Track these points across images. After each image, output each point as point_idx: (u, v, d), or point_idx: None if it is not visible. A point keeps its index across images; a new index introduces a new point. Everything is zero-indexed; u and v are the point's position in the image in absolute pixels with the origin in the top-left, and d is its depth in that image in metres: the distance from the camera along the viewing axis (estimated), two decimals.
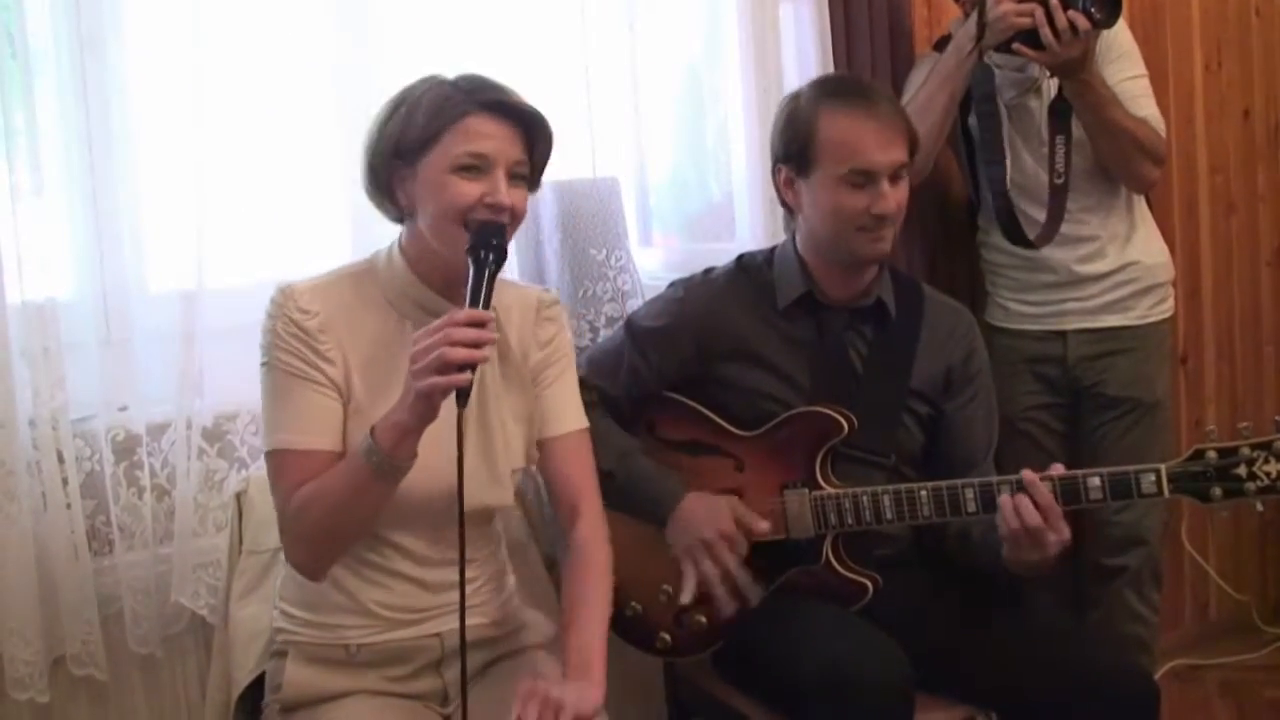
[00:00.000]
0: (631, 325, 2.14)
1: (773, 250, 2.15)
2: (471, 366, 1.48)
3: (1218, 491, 1.79)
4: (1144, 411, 2.57)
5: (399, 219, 1.72)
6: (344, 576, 1.71)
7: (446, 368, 1.46)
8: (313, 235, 2.25)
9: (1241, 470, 1.78)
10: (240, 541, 1.97)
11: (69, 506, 1.95)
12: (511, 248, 2.23)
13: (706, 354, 2.08)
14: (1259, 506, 1.79)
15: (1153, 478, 1.80)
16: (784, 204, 2.09)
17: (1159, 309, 2.61)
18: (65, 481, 1.94)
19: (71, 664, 1.98)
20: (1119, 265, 2.54)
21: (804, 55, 2.52)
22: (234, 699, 1.88)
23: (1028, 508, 1.81)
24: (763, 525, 1.97)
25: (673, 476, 2.04)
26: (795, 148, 2.00)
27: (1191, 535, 3.15)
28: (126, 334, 2.02)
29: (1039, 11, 2.22)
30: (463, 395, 1.48)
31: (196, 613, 2.07)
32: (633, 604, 2.08)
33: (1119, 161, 2.46)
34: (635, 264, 2.41)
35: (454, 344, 1.46)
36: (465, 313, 1.50)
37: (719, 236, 2.66)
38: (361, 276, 1.72)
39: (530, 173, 1.69)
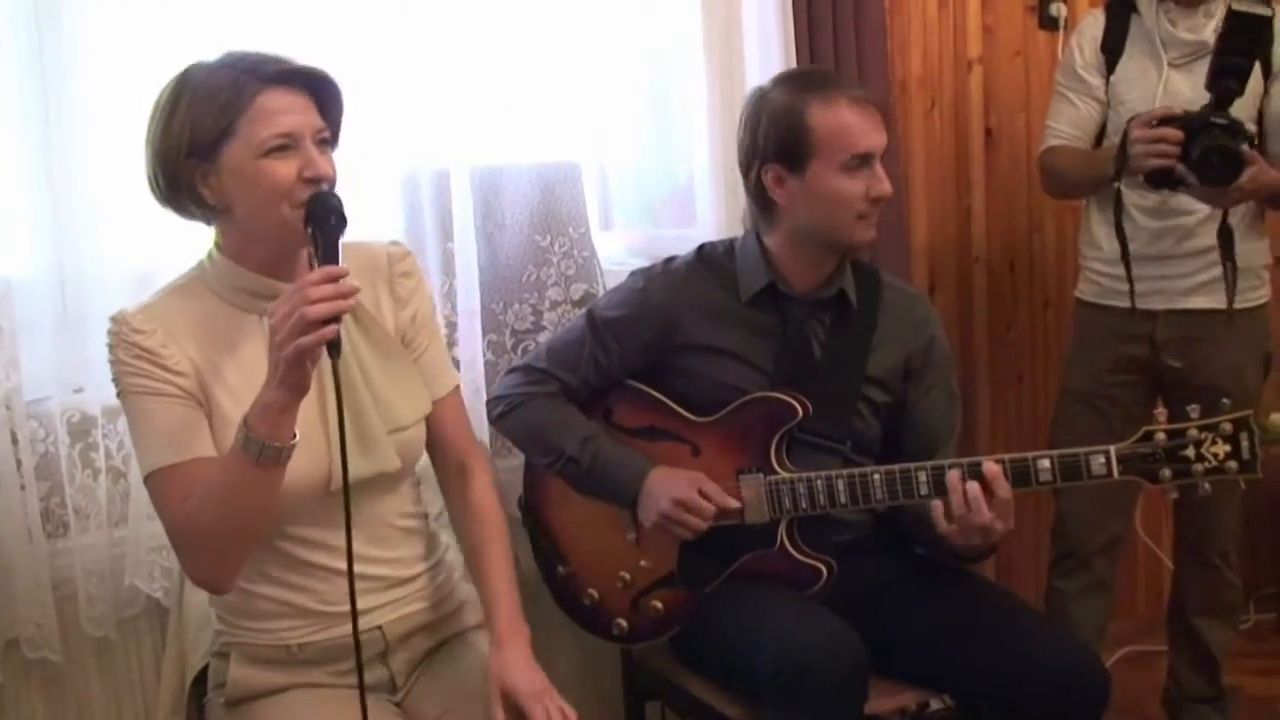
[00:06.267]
0: (592, 316, 2.14)
1: (733, 242, 2.15)
2: (335, 319, 1.44)
3: (1166, 473, 1.80)
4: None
5: (207, 219, 1.64)
6: (265, 582, 1.68)
7: (310, 326, 1.42)
8: None
9: (1190, 452, 1.79)
10: None
11: (23, 488, 1.94)
12: (456, 232, 2.25)
13: (668, 344, 2.08)
14: (1206, 487, 1.80)
15: (1102, 459, 1.82)
16: (763, 203, 2.06)
17: (1252, 295, 2.47)
18: (19, 463, 1.94)
19: (25, 646, 1.97)
20: (1210, 245, 2.36)
21: (766, 40, 2.52)
22: (188, 682, 1.88)
23: (977, 499, 1.82)
24: (731, 502, 1.97)
25: (639, 457, 2.04)
26: (787, 144, 1.99)
27: (1146, 523, 3.18)
28: (82, 314, 2.00)
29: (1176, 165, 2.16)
30: (334, 347, 1.45)
31: (151, 595, 2.06)
32: (590, 591, 2.08)
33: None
34: (595, 249, 2.41)
35: (312, 302, 1.43)
36: (318, 272, 1.47)
37: (681, 222, 2.67)
38: (190, 286, 1.67)
39: (331, 135, 1.63)
